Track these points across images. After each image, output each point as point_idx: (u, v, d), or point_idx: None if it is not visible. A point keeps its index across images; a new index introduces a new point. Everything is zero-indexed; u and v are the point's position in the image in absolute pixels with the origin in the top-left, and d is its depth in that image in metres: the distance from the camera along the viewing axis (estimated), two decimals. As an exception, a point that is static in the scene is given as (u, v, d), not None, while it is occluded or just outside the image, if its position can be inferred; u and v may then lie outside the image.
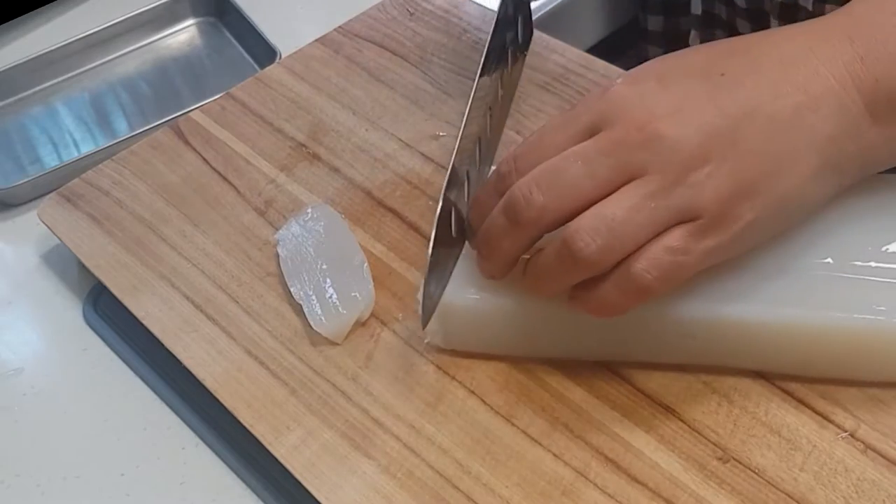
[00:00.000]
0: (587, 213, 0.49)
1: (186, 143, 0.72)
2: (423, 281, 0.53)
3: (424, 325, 0.55)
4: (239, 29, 0.86)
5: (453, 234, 0.55)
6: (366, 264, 0.62)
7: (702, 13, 0.88)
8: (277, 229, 0.65)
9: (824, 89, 0.50)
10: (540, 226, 0.50)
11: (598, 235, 0.48)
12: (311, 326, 0.59)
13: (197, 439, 0.60)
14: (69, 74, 0.85)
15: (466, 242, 0.56)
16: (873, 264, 0.53)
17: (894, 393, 0.54)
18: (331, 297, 0.60)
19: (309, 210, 0.65)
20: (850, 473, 0.51)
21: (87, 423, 0.61)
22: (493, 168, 0.55)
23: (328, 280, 0.61)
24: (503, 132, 0.69)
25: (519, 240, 0.52)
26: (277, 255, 0.64)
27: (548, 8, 0.89)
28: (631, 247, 0.49)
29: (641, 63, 0.53)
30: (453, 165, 0.55)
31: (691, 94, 0.50)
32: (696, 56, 0.53)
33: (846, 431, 0.53)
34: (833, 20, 0.52)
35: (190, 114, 0.74)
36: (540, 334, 0.56)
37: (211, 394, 0.58)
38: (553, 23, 0.88)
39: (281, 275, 0.63)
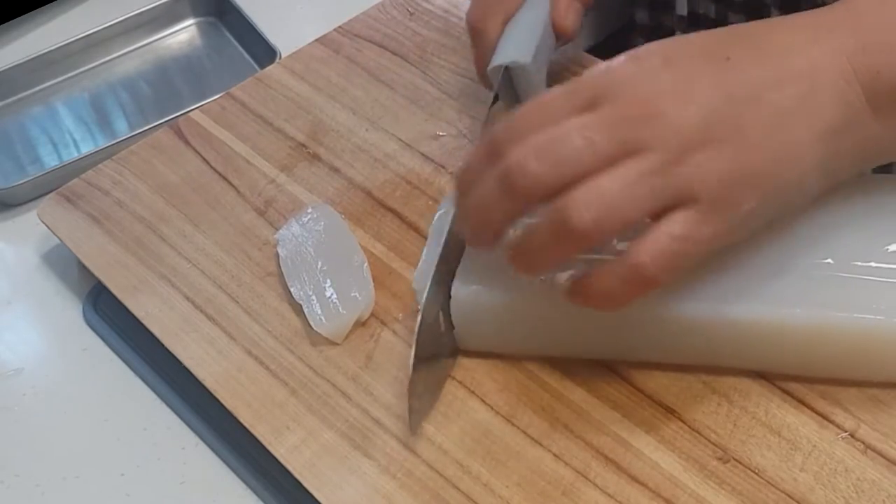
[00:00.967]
0: (582, 185, 0.47)
1: (186, 143, 0.72)
2: (408, 382, 0.53)
3: (414, 431, 0.55)
4: (239, 29, 0.86)
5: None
6: (366, 264, 0.62)
7: (687, 14, 0.88)
8: (277, 229, 0.65)
9: (827, 80, 0.50)
10: (534, 196, 0.49)
11: (593, 207, 0.47)
12: (311, 326, 0.59)
13: (197, 439, 0.60)
14: (69, 74, 0.85)
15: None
16: (873, 264, 0.53)
17: (894, 393, 0.54)
18: (331, 297, 0.60)
19: (309, 210, 0.65)
20: (850, 473, 0.51)
21: (87, 423, 0.61)
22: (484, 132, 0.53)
23: (328, 280, 0.61)
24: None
25: (510, 209, 0.50)
26: (277, 255, 0.64)
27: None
28: (624, 223, 0.47)
29: None
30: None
31: (696, 76, 0.49)
32: (702, 39, 0.52)
33: (846, 431, 0.53)
34: (836, 11, 0.52)
35: (190, 114, 0.74)
36: (540, 331, 0.56)
37: (211, 394, 0.58)
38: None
39: (281, 275, 0.63)
